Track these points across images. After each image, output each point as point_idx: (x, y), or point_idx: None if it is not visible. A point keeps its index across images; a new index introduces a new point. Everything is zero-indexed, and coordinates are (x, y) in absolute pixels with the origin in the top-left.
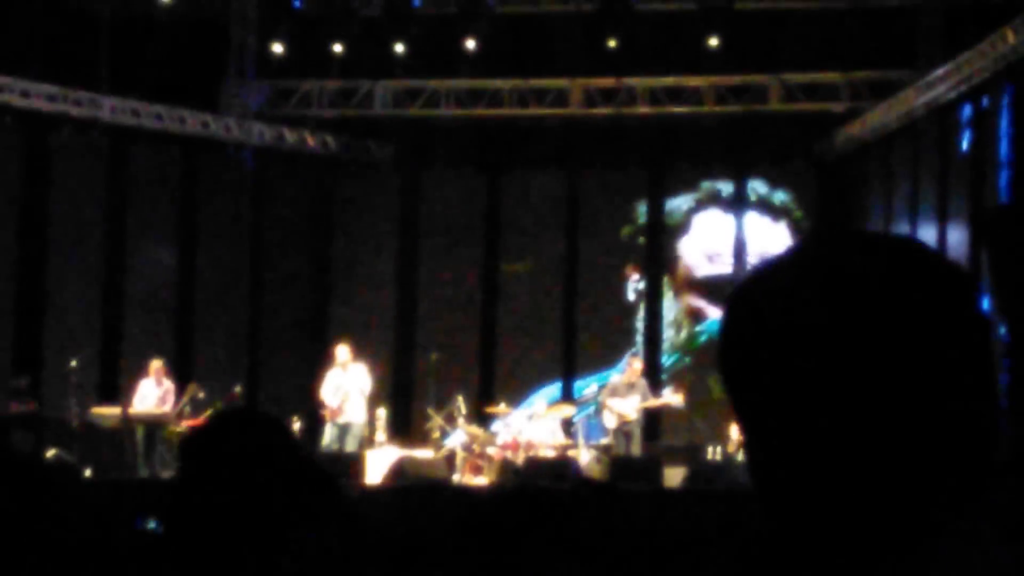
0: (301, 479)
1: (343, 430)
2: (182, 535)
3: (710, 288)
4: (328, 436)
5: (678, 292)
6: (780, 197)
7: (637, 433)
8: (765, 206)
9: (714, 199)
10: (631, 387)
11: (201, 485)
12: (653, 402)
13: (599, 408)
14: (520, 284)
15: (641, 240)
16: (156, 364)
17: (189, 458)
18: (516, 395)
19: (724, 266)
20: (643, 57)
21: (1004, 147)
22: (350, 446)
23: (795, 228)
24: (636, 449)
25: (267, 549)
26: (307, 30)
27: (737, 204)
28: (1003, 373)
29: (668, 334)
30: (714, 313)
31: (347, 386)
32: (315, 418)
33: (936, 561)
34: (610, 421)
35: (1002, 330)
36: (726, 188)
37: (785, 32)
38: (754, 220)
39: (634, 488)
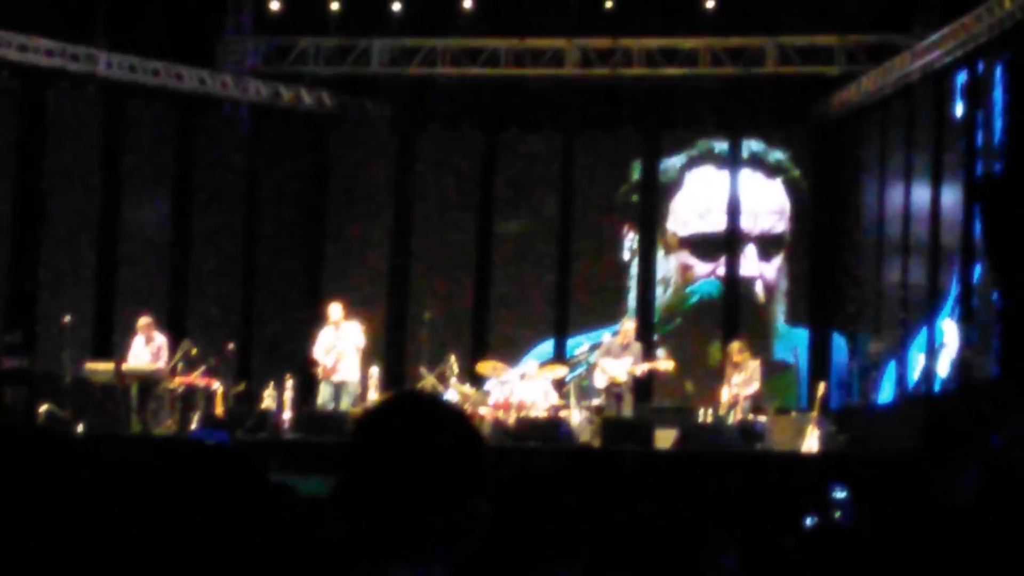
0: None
1: (338, 388)
2: (352, 509)
3: (700, 245)
4: (323, 395)
5: (668, 250)
6: (776, 156)
7: (628, 395)
8: (760, 163)
9: (708, 156)
10: (624, 348)
11: (373, 464)
12: (643, 366)
13: (591, 368)
14: (514, 244)
15: (634, 198)
16: (144, 321)
17: (361, 440)
18: (509, 355)
19: (714, 223)
20: (639, 18)
21: (999, 113)
22: (344, 404)
23: (791, 186)
24: (627, 410)
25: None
26: None
27: (731, 162)
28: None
29: (658, 292)
30: (703, 270)
31: (341, 344)
32: (309, 376)
33: None
34: (600, 381)
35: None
36: (720, 146)
37: None
38: (749, 177)
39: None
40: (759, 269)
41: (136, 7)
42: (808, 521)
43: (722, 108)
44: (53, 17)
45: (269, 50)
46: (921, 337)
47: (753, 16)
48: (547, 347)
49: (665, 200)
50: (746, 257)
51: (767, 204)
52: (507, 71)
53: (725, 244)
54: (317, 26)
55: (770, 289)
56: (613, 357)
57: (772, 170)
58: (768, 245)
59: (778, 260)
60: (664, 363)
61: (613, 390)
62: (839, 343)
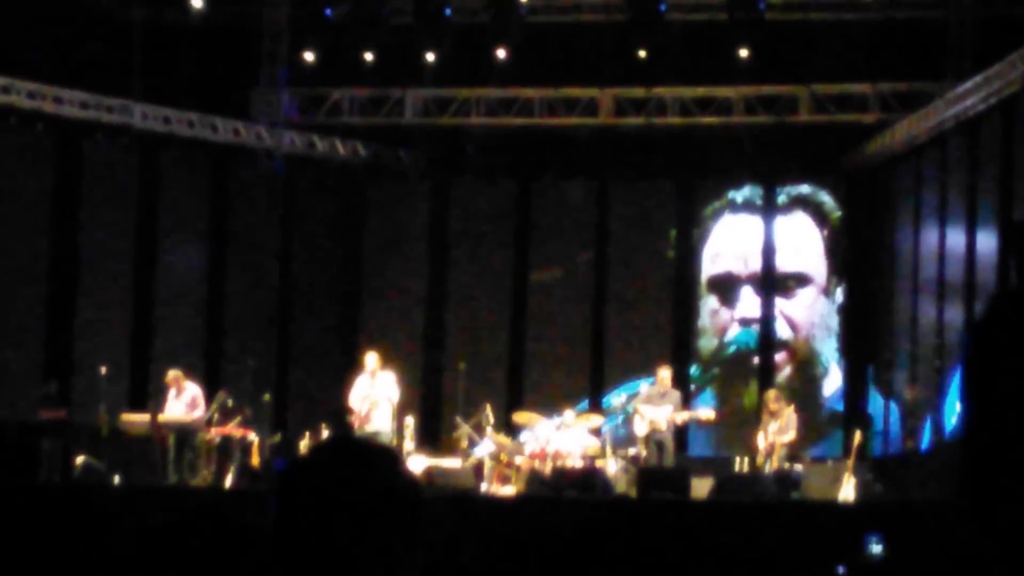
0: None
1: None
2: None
3: (718, 287)
4: None
5: (700, 297)
6: (822, 196)
7: (670, 442)
8: (804, 204)
9: (745, 205)
10: (663, 396)
11: (302, 515)
12: (684, 414)
13: (631, 415)
14: (549, 293)
15: (670, 254)
16: (173, 374)
17: (290, 488)
18: (545, 404)
19: (727, 264)
20: (673, 67)
21: None
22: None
23: (831, 229)
24: (669, 459)
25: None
26: (338, 38)
27: (765, 209)
28: None
29: (699, 343)
30: (728, 316)
31: (375, 394)
32: (344, 427)
33: None
34: (641, 428)
35: None
36: (754, 193)
37: (815, 43)
38: (788, 220)
39: (662, 498)
40: (781, 308)
41: (170, 59)
42: (840, 570)
43: (756, 157)
44: (88, 69)
45: (303, 101)
46: (957, 384)
47: (787, 65)
48: (583, 396)
49: (699, 247)
50: (778, 299)
51: (803, 245)
52: (541, 120)
53: (760, 286)
54: (351, 77)
55: (803, 329)
56: (653, 405)
57: (816, 212)
58: (799, 284)
59: (812, 300)
60: (705, 411)
61: (655, 437)
62: (875, 397)
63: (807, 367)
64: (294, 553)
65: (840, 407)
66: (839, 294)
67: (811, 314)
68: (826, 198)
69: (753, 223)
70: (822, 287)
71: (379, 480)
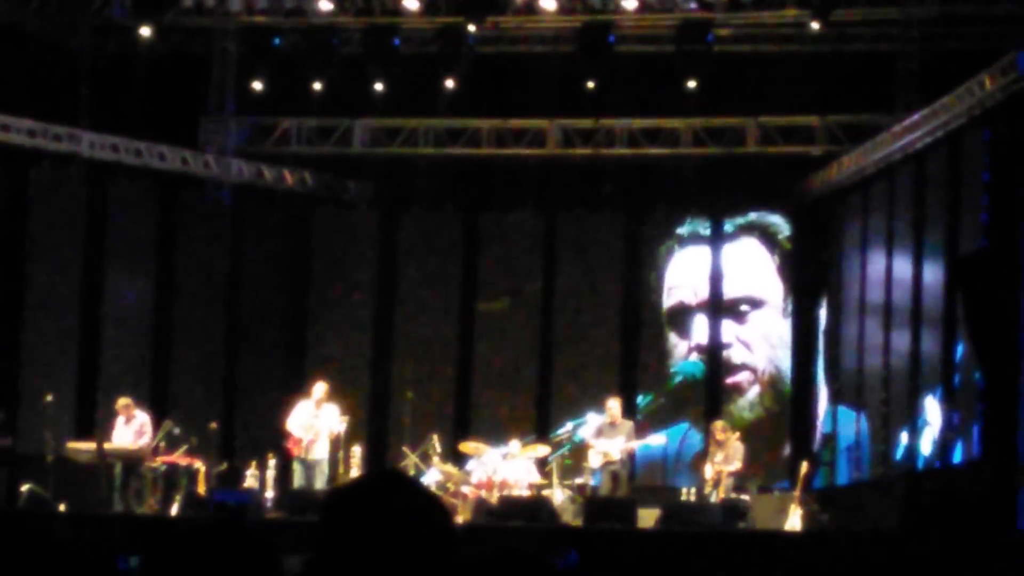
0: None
1: (310, 468)
2: None
3: (672, 319)
4: (296, 474)
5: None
6: (772, 219)
7: (624, 474)
8: (754, 229)
9: (694, 237)
10: (614, 427)
11: (343, 546)
12: (636, 442)
13: (583, 447)
14: (496, 323)
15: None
16: (123, 401)
17: (333, 518)
18: (491, 434)
19: (679, 296)
20: (621, 98)
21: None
22: (318, 483)
23: (783, 252)
24: (624, 490)
25: None
26: (287, 67)
27: (712, 240)
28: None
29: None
30: (683, 348)
31: (318, 424)
32: (288, 456)
33: None
34: (595, 461)
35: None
36: (693, 227)
37: (763, 75)
38: (738, 246)
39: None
40: (736, 333)
41: (118, 88)
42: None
43: (705, 187)
44: (36, 97)
45: (252, 130)
46: (904, 414)
47: (735, 97)
48: (530, 426)
49: (656, 283)
50: (732, 324)
51: (754, 269)
52: (489, 151)
53: (708, 312)
54: (299, 106)
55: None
56: (605, 437)
57: (765, 236)
58: (752, 307)
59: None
60: (655, 438)
61: (609, 468)
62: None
63: (774, 385)
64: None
65: (828, 428)
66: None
67: (767, 335)
68: (775, 219)
69: (703, 253)
70: (779, 308)
71: (419, 512)
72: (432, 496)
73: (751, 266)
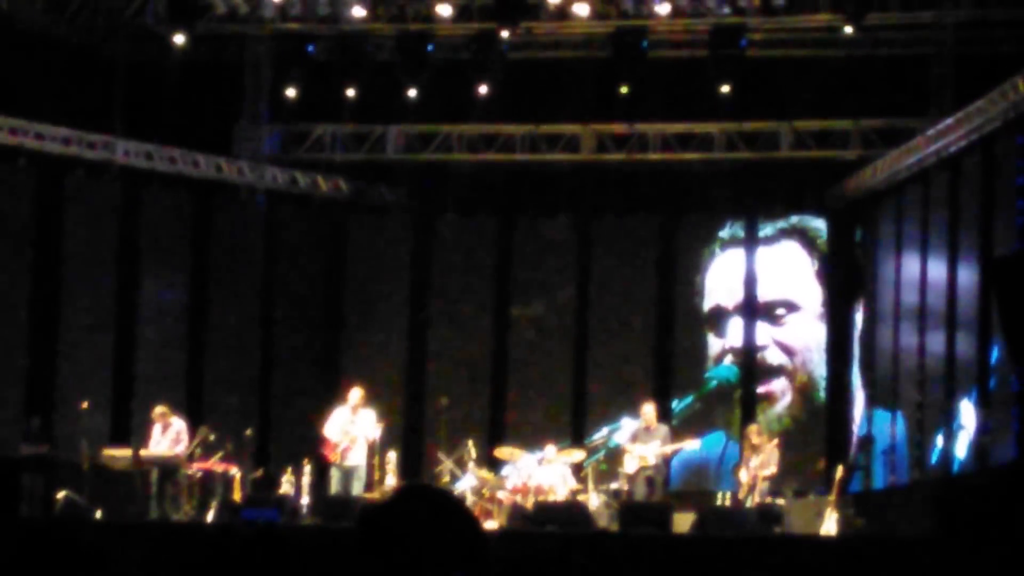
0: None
1: (347, 473)
2: None
3: (711, 322)
4: (334, 480)
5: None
6: (812, 223)
7: (660, 479)
8: (795, 233)
9: (727, 241)
10: (649, 431)
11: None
12: (671, 447)
13: (618, 452)
14: (531, 328)
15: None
16: (159, 409)
17: (367, 537)
18: (527, 439)
19: (716, 298)
20: (655, 104)
21: (1015, 194)
22: (355, 489)
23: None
24: (660, 494)
25: None
26: (321, 75)
27: (748, 243)
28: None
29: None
30: (717, 347)
31: (354, 430)
32: (325, 461)
33: None
34: (631, 465)
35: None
36: (734, 231)
37: (797, 80)
38: (777, 248)
39: (644, 533)
40: (772, 336)
41: (153, 95)
42: None
43: (738, 192)
44: (70, 105)
45: (285, 137)
46: (940, 418)
47: (768, 101)
48: (566, 431)
49: (688, 282)
50: (769, 328)
51: (791, 273)
52: (522, 157)
53: (744, 315)
54: (333, 113)
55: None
56: (640, 442)
57: (804, 239)
58: (788, 311)
59: (803, 325)
60: (690, 443)
61: (645, 474)
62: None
63: (807, 391)
64: None
65: (863, 431)
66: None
67: (804, 339)
68: (816, 223)
69: (741, 256)
70: (816, 312)
71: (456, 526)
72: (462, 508)
73: (789, 269)
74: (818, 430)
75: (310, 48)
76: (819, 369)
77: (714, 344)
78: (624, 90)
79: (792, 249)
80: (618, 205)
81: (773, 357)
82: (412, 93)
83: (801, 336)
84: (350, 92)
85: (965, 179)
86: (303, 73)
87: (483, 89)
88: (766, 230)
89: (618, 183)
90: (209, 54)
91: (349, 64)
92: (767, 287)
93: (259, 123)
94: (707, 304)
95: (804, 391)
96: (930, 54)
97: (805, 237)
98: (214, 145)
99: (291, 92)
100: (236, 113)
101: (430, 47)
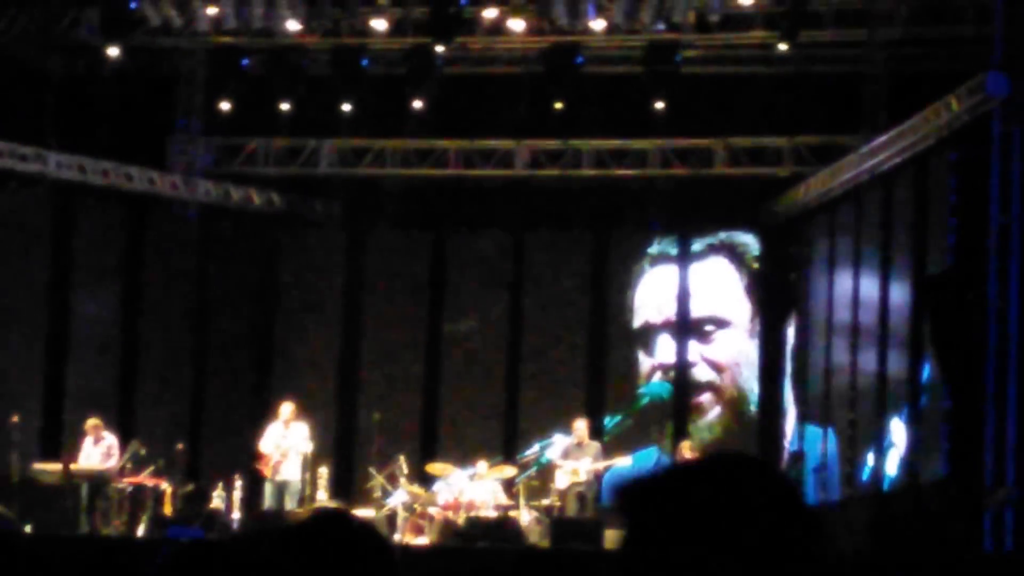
0: None
1: (280, 488)
2: None
3: (639, 338)
4: (267, 495)
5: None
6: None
7: (591, 495)
8: (723, 248)
9: (656, 257)
10: (581, 447)
11: None
12: (603, 463)
13: (550, 468)
14: (464, 344)
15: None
16: (92, 422)
17: (284, 553)
18: (458, 456)
19: (645, 315)
20: (589, 119)
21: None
22: (289, 504)
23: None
24: (590, 510)
25: None
26: (255, 88)
27: (680, 260)
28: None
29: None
30: (647, 366)
31: (287, 444)
32: (256, 477)
33: None
34: (562, 481)
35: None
36: (662, 247)
37: (731, 96)
38: (707, 265)
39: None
40: (701, 352)
41: (85, 108)
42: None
43: (672, 209)
44: (2, 118)
45: (219, 151)
46: (871, 435)
47: (702, 118)
48: (498, 447)
49: (620, 298)
50: (697, 344)
51: (721, 289)
52: (456, 171)
53: (675, 333)
54: (267, 127)
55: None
56: (572, 458)
57: (733, 255)
58: (717, 327)
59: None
60: (622, 459)
61: (576, 490)
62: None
63: (736, 406)
64: None
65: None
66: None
67: (734, 355)
68: (745, 238)
69: (671, 273)
70: (745, 328)
71: (363, 548)
72: (374, 532)
73: (718, 286)
74: (748, 444)
75: (244, 62)
76: (748, 384)
77: (644, 361)
78: (558, 106)
79: (721, 265)
80: (552, 220)
81: (702, 374)
82: (346, 107)
83: (730, 352)
84: (284, 106)
85: (898, 197)
86: (237, 86)
87: (417, 104)
88: (695, 246)
89: (552, 198)
90: (143, 67)
91: (283, 78)
92: (696, 303)
93: (193, 136)
94: (637, 321)
95: (733, 406)
96: (863, 72)
97: (734, 253)
98: (147, 158)
99: (225, 105)
100: (170, 126)
101: (364, 61)
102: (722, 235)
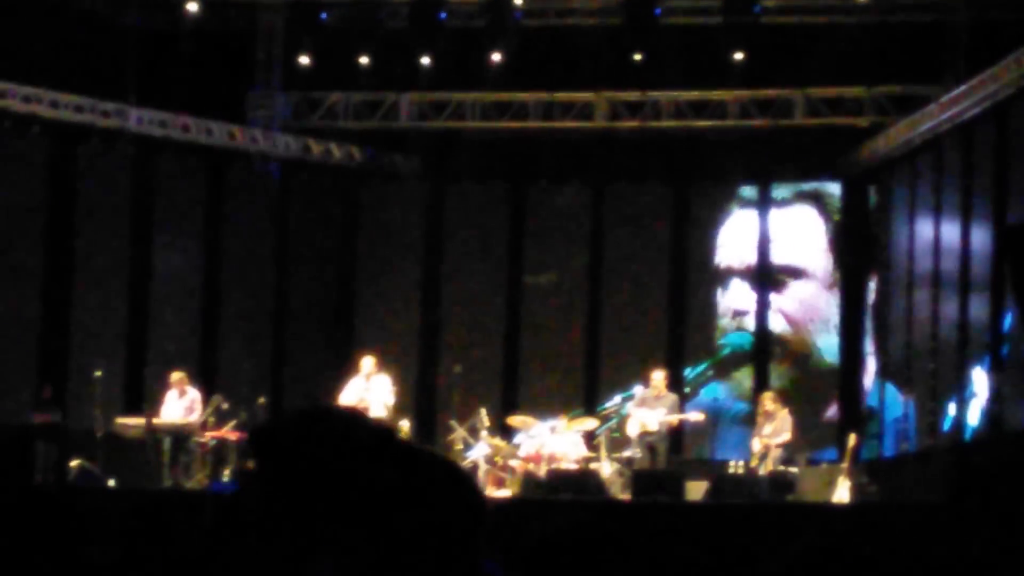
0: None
1: None
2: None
3: (720, 284)
4: None
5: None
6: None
7: (663, 447)
8: (811, 198)
9: (744, 201)
10: (657, 399)
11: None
12: (674, 417)
13: (624, 419)
14: (544, 297)
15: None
16: (177, 376)
17: (259, 449)
18: (539, 407)
19: (727, 260)
20: (668, 71)
21: None
22: None
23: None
24: (661, 462)
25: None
26: (333, 42)
27: (761, 206)
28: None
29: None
30: (727, 317)
31: (369, 397)
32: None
33: None
34: (633, 430)
35: None
36: (750, 192)
37: (810, 46)
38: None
39: (656, 501)
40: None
41: (165, 63)
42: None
43: (751, 160)
44: (84, 73)
45: (298, 105)
46: (952, 386)
47: (781, 68)
48: (578, 399)
49: (701, 245)
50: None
51: (803, 239)
52: (536, 124)
53: (754, 281)
54: (346, 81)
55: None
56: (647, 408)
57: (820, 205)
58: (794, 278)
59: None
60: (695, 415)
61: (646, 440)
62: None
63: (803, 362)
64: (268, 505)
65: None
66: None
67: (806, 308)
68: (832, 188)
69: (753, 218)
70: (825, 281)
71: (349, 439)
72: (362, 423)
73: (800, 235)
74: (820, 395)
75: (323, 15)
76: (819, 338)
77: (723, 305)
78: (637, 57)
79: (806, 214)
80: (632, 172)
81: (774, 323)
82: (425, 61)
83: (803, 304)
84: (363, 60)
85: (979, 146)
86: (316, 41)
87: (496, 57)
88: (782, 192)
89: (632, 151)
90: (222, 22)
91: (362, 32)
92: (777, 251)
93: (272, 91)
94: (719, 264)
95: (799, 360)
96: (943, 21)
97: (820, 202)
98: (227, 113)
99: (304, 60)
100: (249, 81)
101: (443, 15)
102: (809, 184)
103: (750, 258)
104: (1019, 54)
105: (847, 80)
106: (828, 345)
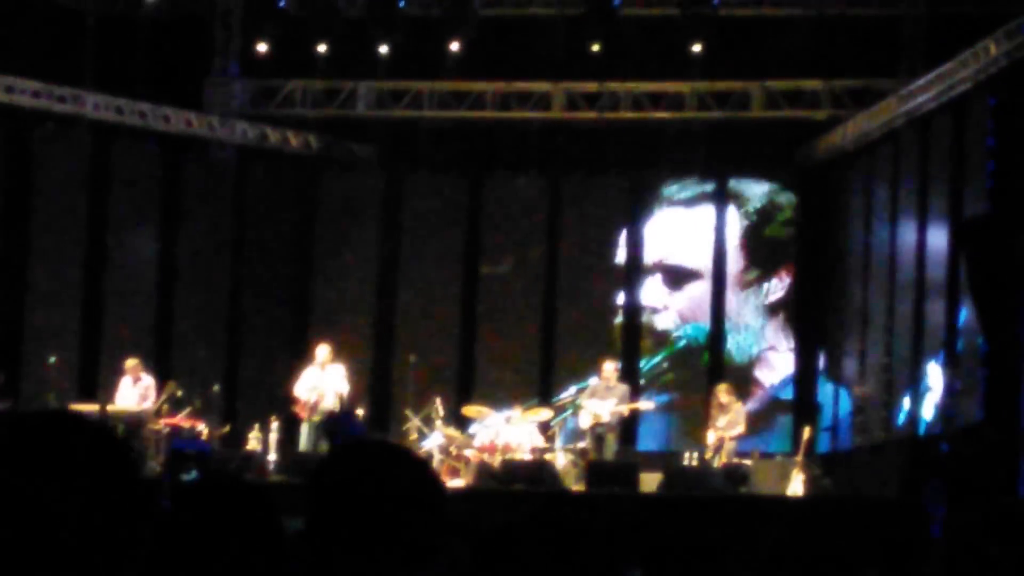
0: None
1: (318, 430)
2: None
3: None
4: (304, 437)
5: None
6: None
7: (611, 438)
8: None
9: (701, 198)
10: (608, 389)
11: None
12: (624, 407)
13: (576, 409)
14: (500, 287)
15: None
16: (131, 362)
17: (324, 485)
18: (494, 398)
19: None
20: (626, 62)
21: (984, 156)
22: (324, 446)
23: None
24: (610, 453)
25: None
26: (291, 29)
27: (717, 202)
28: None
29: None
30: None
31: (323, 386)
32: (292, 419)
33: None
34: (585, 421)
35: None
36: (702, 189)
37: (768, 39)
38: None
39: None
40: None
41: (123, 49)
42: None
43: (708, 152)
44: (40, 58)
45: (256, 92)
46: (906, 380)
47: (740, 60)
48: (533, 390)
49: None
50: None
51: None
52: (493, 114)
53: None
54: (304, 69)
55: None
56: (598, 398)
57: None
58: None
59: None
60: (645, 403)
61: (596, 430)
62: (825, 386)
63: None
64: (327, 547)
65: (786, 395)
66: (775, 286)
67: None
68: (749, 190)
69: (671, 215)
70: (737, 281)
71: (408, 479)
72: (419, 463)
73: (708, 234)
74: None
75: (281, 2)
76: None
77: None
78: (595, 48)
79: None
80: (589, 163)
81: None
82: (383, 49)
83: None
84: (321, 47)
85: (936, 140)
86: (274, 28)
87: (455, 46)
88: (693, 191)
89: (589, 141)
90: (180, 8)
91: (320, 19)
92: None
93: (229, 78)
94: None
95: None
96: (902, 14)
97: (737, 201)
98: (184, 100)
99: (262, 47)
100: (206, 68)
101: (401, 3)
102: (733, 183)
103: (660, 254)
104: (977, 48)
105: (805, 73)
106: (737, 344)
